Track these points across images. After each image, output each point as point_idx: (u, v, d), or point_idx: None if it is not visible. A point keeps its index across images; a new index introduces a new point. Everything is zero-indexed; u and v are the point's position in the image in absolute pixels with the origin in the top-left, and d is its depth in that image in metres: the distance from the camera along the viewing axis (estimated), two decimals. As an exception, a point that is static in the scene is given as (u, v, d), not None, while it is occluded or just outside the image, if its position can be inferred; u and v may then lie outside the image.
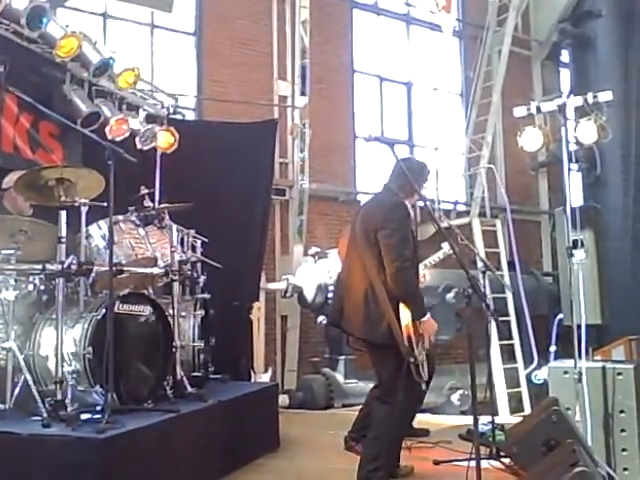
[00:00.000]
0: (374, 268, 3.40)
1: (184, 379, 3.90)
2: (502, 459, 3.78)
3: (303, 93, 8.72)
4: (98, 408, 3.25)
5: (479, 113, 10.23)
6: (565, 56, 11.52)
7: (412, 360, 3.27)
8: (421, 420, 5.11)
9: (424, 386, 3.73)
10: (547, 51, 11.39)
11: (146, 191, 4.37)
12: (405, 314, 3.32)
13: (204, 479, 3.59)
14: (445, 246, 4.70)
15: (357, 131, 9.62)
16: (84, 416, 3.17)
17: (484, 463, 3.39)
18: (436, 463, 3.92)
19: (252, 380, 5.54)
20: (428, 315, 3.46)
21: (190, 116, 8.13)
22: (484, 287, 4.65)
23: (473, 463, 2.88)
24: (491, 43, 10.41)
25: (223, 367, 4.83)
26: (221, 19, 8.51)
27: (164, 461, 3.22)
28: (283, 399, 6.69)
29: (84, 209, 3.53)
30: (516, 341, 8.81)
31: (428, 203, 3.68)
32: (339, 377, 7.46)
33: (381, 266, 3.38)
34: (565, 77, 11.62)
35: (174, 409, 3.45)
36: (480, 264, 4.99)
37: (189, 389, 3.90)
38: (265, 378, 6.66)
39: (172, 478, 3.28)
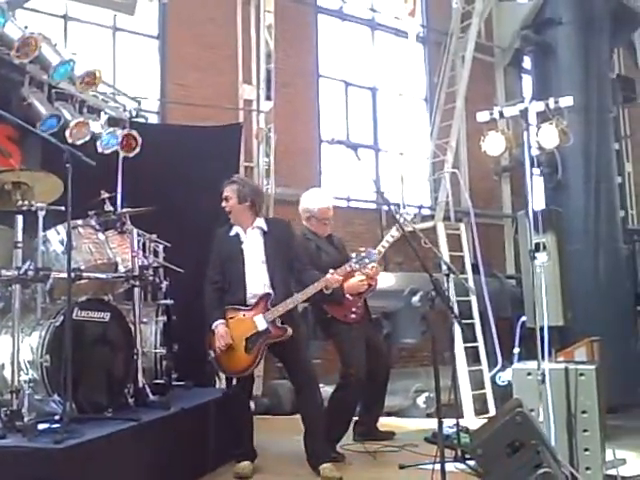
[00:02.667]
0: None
1: (146, 386, 3.83)
2: (467, 461, 3.78)
3: (268, 97, 8.68)
4: (56, 417, 3.16)
5: (443, 118, 10.32)
6: (527, 62, 11.69)
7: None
8: (386, 423, 5.12)
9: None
10: (509, 57, 11.54)
11: (106, 195, 4.30)
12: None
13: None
14: (392, 229, 4.66)
15: (322, 135, 9.61)
16: (41, 426, 3.09)
17: (449, 466, 3.40)
18: (402, 467, 3.91)
19: (217, 386, 5.47)
20: (214, 326, 3.97)
21: (153, 120, 8.03)
22: (448, 290, 4.67)
23: (438, 466, 2.89)
24: (455, 49, 10.51)
25: (187, 374, 4.76)
26: (185, 22, 8.42)
27: (125, 472, 3.14)
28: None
29: (42, 213, 3.45)
30: (480, 343, 8.87)
31: (392, 207, 3.74)
32: (306, 382, 7.41)
33: None
34: (527, 83, 11.80)
35: (135, 417, 3.38)
36: (444, 267, 5.01)
37: (151, 397, 3.83)
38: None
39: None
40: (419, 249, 4.29)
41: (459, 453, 3.93)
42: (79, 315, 3.44)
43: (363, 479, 3.86)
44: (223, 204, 4.17)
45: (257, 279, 4.03)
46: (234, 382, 4.08)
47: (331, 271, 4.05)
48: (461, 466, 3.78)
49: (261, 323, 3.95)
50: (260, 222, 4.16)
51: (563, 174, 10.04)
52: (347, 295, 4.48)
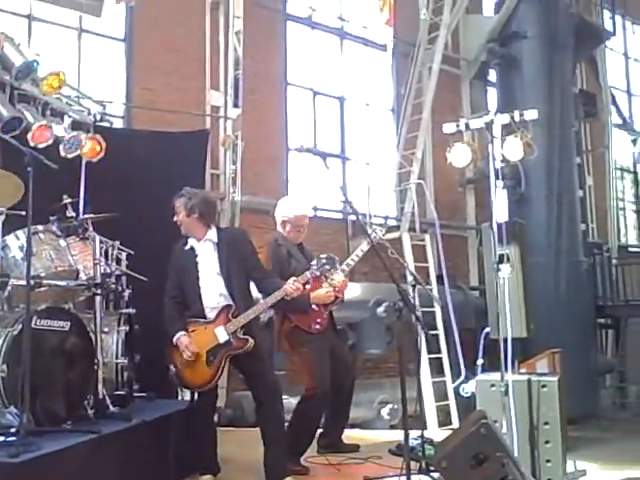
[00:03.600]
0: None
1: (106, 398, 3.73)
2: (432, 474, 3.77)
3: (236, 105, 8.62)
4: (12, 430, 3.05)
5: (409, 129, 10.38)
6: (493, 75, 11.86)
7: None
8: (351, 435, 5.08)
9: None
10: (475, 70, 11.68)
11: (69, 200, 4.19)
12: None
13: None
14: (363, 243, 4.67)
15: (290, 143, 9.59)
16: (-4, 439, 2.98)
17: (414, 478, 3.37)
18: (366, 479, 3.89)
19: (180, 398, 5.37)
20: (175, 338, 3.93)
21: (118, 125, 7.90)
22: (414, 300, 4.67)
23: (403, 479, 2.87)
24: (422, 60, 10.60)
25: (149, 385, 4.66)
26: (152, 26, 8.31)
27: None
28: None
29: (0, 218, 3.33)
30: (444, 354, 8.93)
31: (360, 217, 3.73)
32: (269, 393, 7.32)
33: None
34: (492, 96, 11.97)
35: (95, 430, 3.28)
36: (410, 278, 5.02)
37: (112, 408, 3.73)
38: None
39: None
40: (386, 259, 4.30)
41: (424, 465, 3.91)
42: (38, 324, 3.33)
43: (328, 493, 3.82)
44: (174, 218, 4.15)
45: (213, 291, 3.99)
46: (195, 396, 4.00)
47: (292, 279, 4.02)
48: (426, 479, 3.76)
49: (222, 335, 3.89)
50: (211, 234, 4.11)
51: (526, 187, 10.19)
52: (313, 305, 4.45)
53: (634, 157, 14.55)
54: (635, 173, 15.43)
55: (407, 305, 2.81)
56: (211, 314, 3.95)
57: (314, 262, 4.13)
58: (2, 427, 3.12)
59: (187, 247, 4.11)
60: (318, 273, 4.13)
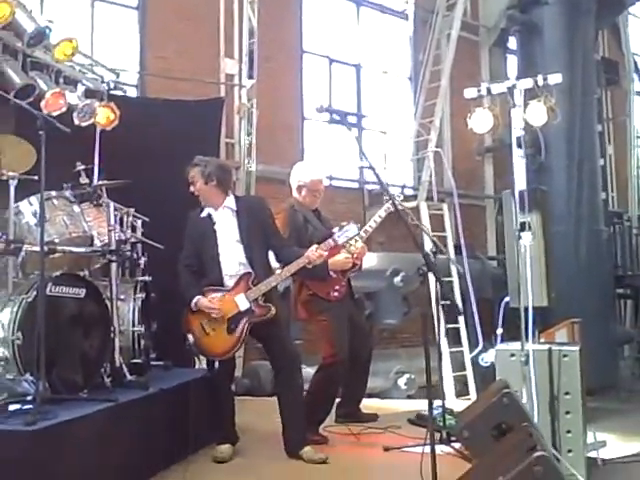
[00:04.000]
0: None
1: (123, 366, 3.71)
2: (453, 444, 3.73)
3: (251, 73, 8.48)
4: (28, 398, 3.03)
5: (427, 97, 10.18)
6: (512, 43, 11.58)
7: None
8: (368, 405, 5.05)
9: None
10: (495, 37, 11.41)
11: (82, 167, 4.12)
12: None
13: (148, 471, 3.41)
14: (381, 210, 4.60)
15: (306, 112, 9.45)
16: (13, 407, 2.96)
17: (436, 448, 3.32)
18: (386, 449, 3.84)
19: (197, 367, 5.36)
20: (194, 302, 3.87)
21: (132, 93, 7.80)
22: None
23: (425, 449, 2.82)
24: (440, 27, 10.36)
25: (166, 353, 4.64)
26: (166, -1, 8.17)
27: (102, 454, 3.03)
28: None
29: (13, 183, 3.28)
30: (462, 324, 8.84)
31: (382, 180, 3.63)
32: (286, 363, 7.31)
33: None
34: (512, 64, 11.70)
35: (112, 398, 3.25)
36: (430, 245, 4.93)
37: (129, 377, 3.71)
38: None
39: (112, 472, 3.09)
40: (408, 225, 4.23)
41: (444, 435, 3.87)
42: (53, 291, 3.29)
43: (347, 461, 3.78)
44: (190, 189, 4.07)
45: (232, 259, 3.93)
46: (216, 363, 3.95)
47: (314, 246, 3.95)
48: (447, 449, 3.72)
49: (243, 302, 3.83)
50: (230, 201, 4.05)
51: (546, 155, 9.96)
52: (331, 273, 4.39)
53: (656, 125, 14.22)
54: (657, 142, 15.12)
55: (432, 270, 2.72)
56: (230, 282, 3.90)
57: (336, 229, 4.05)
58: (18, 395, 3.10)
59: (204, 215, 4.05)
60: (341, 241, 4.05)
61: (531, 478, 2.30)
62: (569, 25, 10.17)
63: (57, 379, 3.19)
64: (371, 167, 3.13)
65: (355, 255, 4.47)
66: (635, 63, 13.67)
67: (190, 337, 3.86)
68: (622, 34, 13.32)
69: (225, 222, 3.99)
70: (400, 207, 4.08)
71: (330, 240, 4.04)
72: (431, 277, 2.92)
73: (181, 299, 3.87)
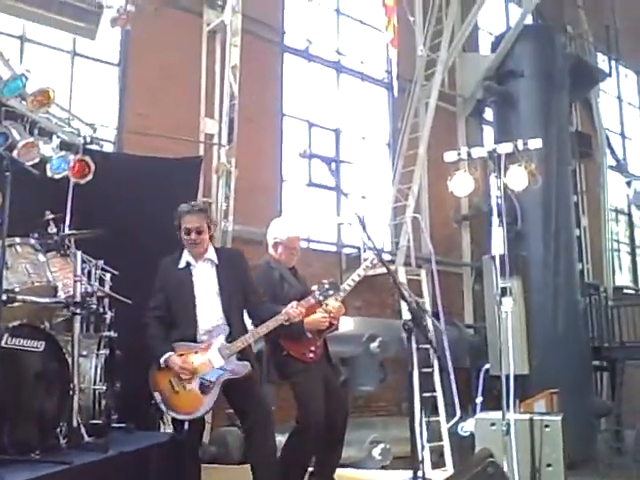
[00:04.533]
0: None
1: (81, 427, 3.45)
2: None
3: (231, 134, 8.49)
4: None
5: (405, 164, 10.29)
6: (488, 113, 11.85)
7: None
8: (342, 475, 4.79)
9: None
10: (471, 107, 11.66)
11: (51, 216, 3.96)
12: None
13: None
14: (360, 268, 4.48)
15: (284, 174, 9.45)
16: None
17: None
18: (361, 522, 3.60)
19: (161, 430, 5.07)
20: (163, 358, 3.62)
21: (109, 149, 7.72)
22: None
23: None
24: (419, 96, 10.56)
25: (128, 415, 4.37)
26: (148, 51, 8.20)
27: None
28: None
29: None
30: (439, 393, 8.63)
31: (374, 249, 3.53)
32: (255, 429, 6.99)
33: None
34: (488, 134, 11.93)
35: (67, 460, 3.00)
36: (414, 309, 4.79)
37: (86, 438, 3.44)
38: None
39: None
40: (385, 290, 4.16)
41: (423, 509, 3.63)
42: (9, 342, 3.07)
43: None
44: (193, 237, 3.82)
45: (209, 313, 3.74)
46: (185, 426, 3.70)
47: (294, 303, 3.80)
48: (427, 522, 3.49)
49: (217, 360, 3.62)
50: (211, 252, 3.89)
51: (523, 224, 10.02)
52: (307, 333, 4.22)
53: (628, 199, 14.52)
54: (629, 215, 15.40)
55: (418, 326, 2.59)
56: (204, 337, 3.70)
57: (316, 287, 3.91)
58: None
59: (182, 265, 3.85)
60: (321, 298, 3.92)
61: None
62: (544, 97, 10.46)
63: (8, 438, 2.94)
64: (362, 223, 3.00)
65: (332, 314, 4.31)
66: (607, 138, 14.05)
67: (157, 395, 3.62)
68: (594, 109, 13.73)
69: (205, 274, 3.82)
70: (381, 265, 3.95)
71: (310, 297, 3.90)
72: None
73: (148, 353, 3.65)
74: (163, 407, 3.66)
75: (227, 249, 4.16)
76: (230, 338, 3.68)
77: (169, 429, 5.35)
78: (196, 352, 3.66)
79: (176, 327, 3.74)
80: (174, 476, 3.70)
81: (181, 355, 3.65)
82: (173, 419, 3.81)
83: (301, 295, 4.16)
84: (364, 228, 2.92)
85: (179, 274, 3.81)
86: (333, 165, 2.98)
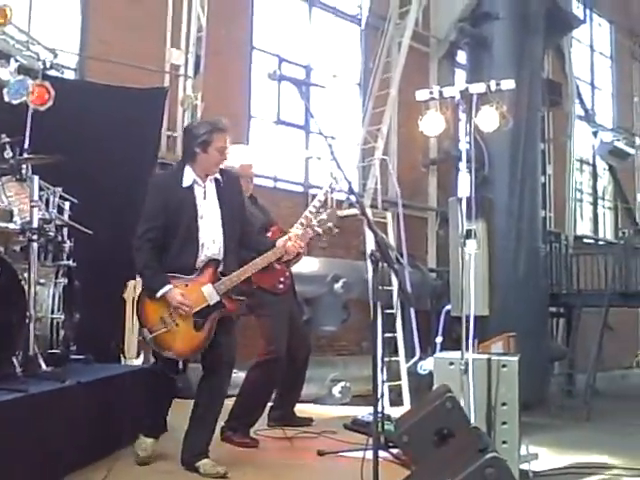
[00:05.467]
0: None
1: (38, 356, 3.37)
2: (391, 449, 3.56)
3: (197, 65, 8.22)
4: None
5: (376, 104, 10.16)
6: (461, 56, 11.70)
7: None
8: (303, 410, 4.85)
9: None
10: (445, 49, 11.50)
11: (7, 140, 3.78)
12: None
13: (65, 466, 3.11)
14: (321, 192, 4.34)
15: (252, 111, 9.25)
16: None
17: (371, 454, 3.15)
18: (321, 454, 3.64)
19: (122, 363, 5.04)
20: (162, 291, 3.25)
21: (70, 76, 7.43)
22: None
23: (361, 454, 2.65)
24: (392, 35, 10.37)
25: (88, 348, 4.31)
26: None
27: (9, 447, 2.71)
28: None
29: None
30: (399, 334, 8.75)
31: (353, 192, 3.41)
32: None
33: None
34: (460, 77, 11.79)
35: (22, 388, 2.93)
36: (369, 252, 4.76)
37: (44, 367, 3.37)
38: (137, 364, 6.14)
39: (22, 466, 2.78)
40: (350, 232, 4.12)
41: (382, 441, 3.69)
42: (-38, 268, 2.96)
43: (279, 466, 3.55)
44: (224, 157, 3.41)
45: (212, 240, 3.36)
46: (180, 365, 3.51)
47: (292, 235, 3.61)
48: (384, 454, 3.54)
49: (212, 296, 3.29)
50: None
51: (490, 170, 10.06)
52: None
53: (594, 149, 14.64)
54: (594, 166, 15.57)
55: (384, 256, 2.55)
56: (199, 266, 3.35)
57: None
58: None
59: (185, 184, 3.39)
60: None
61: (482, 481, 2.15)
62: (518, 41, 10.35)
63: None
64: (331, 152, 2.87)
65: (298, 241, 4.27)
66: (577, 87, 14.05)
67: (146, 332, 3.30)
68: (566, 58, 13.66)
69: (209, 195, 3.43)
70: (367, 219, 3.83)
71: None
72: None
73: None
74: (154, 346, 3.36)
75: (227, 170, 3.60)
76: (225, 270, 3.38)
77: (129, 362, 5.35)
78: (186, 285, 3.31)
79: (171, 254, 3.33)
80: (134, 407, 3.68)
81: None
82: (157, 356, 3.47)
83: (263, 225, 4.12)
84: (335, 159, 2.80)
85: (182, 193, 3.37)
86: (304, 88, 2.83)
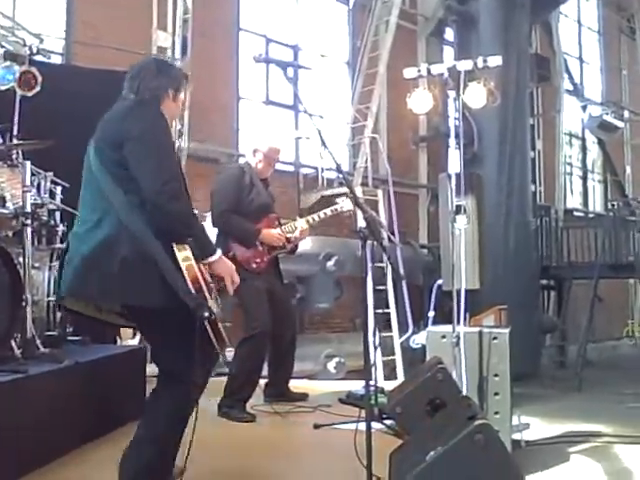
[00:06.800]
0: (121, 199, 2.45)
1: (36, 338, 3.42)
2: (385, 421, 3.64)
3: (184, 47, 8.19)
4: None
5: (365, 83, 10.16)
6: (449, 34, 11.68)
7: (207, 315, 2.31)
8: (298, 386, 4.93)
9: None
10: (432, 27, 11.48)
11: (-2, 126, 3.80)
12: (184, 254, 2.41)
13: (63, 446, 3.17)
14: (341, 202, 4.56)
15: (241, 92, 9.23)
16: None
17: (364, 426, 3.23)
18: (316, 427, 3.72)
19: (118, 344, 5.09)
20: (219, 252, 2.61)
21: (57, 60, 7.39)
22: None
23: (354, 426, 2.72)
24: (379, 13, 10.33)
25: (84, 329, 4.36)
26: (96, -43, 7.76)
27: (10, 427, 2.77)
28: (152, 368, 6.24)
29: None
30: (392, 309, 8.85)
31: (340, 171, 3.48)
32: (212, 345, 7.07)
33: (134, 195, 2.44)
34: (448, 55, 11.79)
35: (21, 370, 2.99)
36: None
37: (41, 349, 3.43)
38: (133, 344, 6.20)
39: (21, 445, 2.85)
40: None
41: (376, 413, 3.77)
42: (-43, 253, 3.00)
43: (276, 439, 3.64)
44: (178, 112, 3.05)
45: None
46: None
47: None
48: (378, 426, 3.62)
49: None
50: None
51: (479, 146, 10.11)
52: (258, 244, 4.26)
53: (583, 123, 14.68)
54: (583, 139, 15.63)
55: (373, 233, 2.60)
56: None
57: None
58: None
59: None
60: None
61: (472, 447, 2.22)
62: (504, 18, 10.32)
63: (-41, 348, 2.93)
64: (319, 134, 2.89)
65: (291, 237, 4.38)
66: (565, 61, 14.06)
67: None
68: (554, 32, 13.65)
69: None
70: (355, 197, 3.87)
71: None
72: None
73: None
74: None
75: None
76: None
77: (125, 343, 5.40)
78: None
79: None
80: (129, 387, 3.74)
81: None
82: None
83: (265, 207, 4.33)
84: (323, 141, 2.84)
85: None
86: (290, 71, 2.86)
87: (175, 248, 2.39)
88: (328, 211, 4.59)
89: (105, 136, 2.59)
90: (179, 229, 2.44)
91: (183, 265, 2.37)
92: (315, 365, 7.91)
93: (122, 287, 2.38)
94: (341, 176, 3.88)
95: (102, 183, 2.49)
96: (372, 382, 3.99)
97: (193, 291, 2.33)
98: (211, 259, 2.53)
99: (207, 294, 2.39)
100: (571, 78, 14.48)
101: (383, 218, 9.36)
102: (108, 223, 2.42)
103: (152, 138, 2.48)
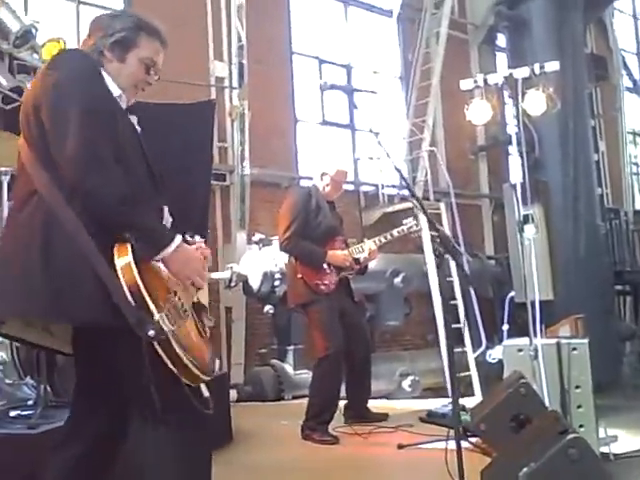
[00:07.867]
0: (50, 184, 1.89)
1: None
2: (470, 439, 3.61)
3: (241, 77, 8.38)
4: (29, 403, 2.88)
5: (419, 96, 10.14)
6: (501, 40, 11.57)
7: (152, 335, 1.71)
8: (376, 405, 4.92)
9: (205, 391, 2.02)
10: (483, 35, 11.39)
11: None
12: (125, 256, 1.80)
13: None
14: (407, 222, 4.59)
15: (298, 114, 9.36)
16: (13, 413, 2.81)
17: (452, 444, 3.20)
18: (400, 447, 3.71)
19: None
20: (178, 240, 1.94)
21: (121, 99, 7.66)
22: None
23: (440, 445, 2.71)
24: (429, 26, 10.33)
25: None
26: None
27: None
28: (232, 394, 6.35)
29: (5, 178, 3.15)
30: (464, 324, 8.73)
31: (409, 188, 3.50)
32: (288, 368, 7.09)
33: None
34: (502, 61, 11.67)
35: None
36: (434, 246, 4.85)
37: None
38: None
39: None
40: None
41: (460, 431, 3.74)
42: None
43: (362, 461, 3.64)
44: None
45: None
46: None
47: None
48: (465, 444, 3.59)
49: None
50: None
51: (540, 151, 9.93)
52: (325, 265, 4.31)
53: (646, 120, 14.25)
54: (647, 137, 15.16)
55: (448, 250, 2.60)
56: None
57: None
58: (19, 400, 2.94)
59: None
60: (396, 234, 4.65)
61: (566, 461, 2.18)
62: (557, 19, 10.17)
63: (58, 382, 3.04)
64: (399, 172, 2.93)
65: (359, 258, 4.44)
66: (623, 59, 13.70)
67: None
68: (609, 30, 13.35)
69: None
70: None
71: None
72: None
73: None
74: None
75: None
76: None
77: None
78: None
79: None
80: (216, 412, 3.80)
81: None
82: None
83: (332, 229, 4.38)
84: (390, 158, 2.88)
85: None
86: (354, 95, 2.93)
87: (115, 248, 1.82)
88: (395, 232, 4.63)
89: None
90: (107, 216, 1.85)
91: (119, 269, 1.78)
92: (389, 384, 7.85)
93: (47, 298, 1.81)
94: (408, 193, 3.91)
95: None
96: (450, 401, 3.97)
97: (132, 301, 1.74)
98: (164, 253, 1.89)
99: (153, 305, 1.76)
100: (630, 75, 14.08)
101: (447, 231, 9.28)
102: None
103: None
